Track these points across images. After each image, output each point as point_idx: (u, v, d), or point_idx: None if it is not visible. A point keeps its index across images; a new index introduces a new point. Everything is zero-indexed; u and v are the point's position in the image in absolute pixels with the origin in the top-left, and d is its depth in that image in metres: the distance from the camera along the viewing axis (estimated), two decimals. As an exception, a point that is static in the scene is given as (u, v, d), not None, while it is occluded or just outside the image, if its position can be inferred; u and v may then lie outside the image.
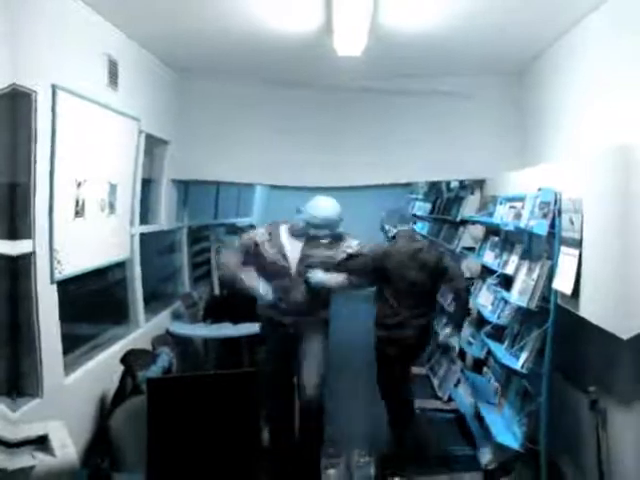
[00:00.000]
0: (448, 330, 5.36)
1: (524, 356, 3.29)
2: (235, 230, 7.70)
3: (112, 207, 3.89)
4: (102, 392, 3.61)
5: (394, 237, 4.32)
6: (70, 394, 3.21)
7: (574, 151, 3.58)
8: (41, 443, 2.40)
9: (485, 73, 4.91)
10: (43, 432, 2.44)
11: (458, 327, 4.93)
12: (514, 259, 3.74)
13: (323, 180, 5.12)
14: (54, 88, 2.95)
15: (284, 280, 3.72)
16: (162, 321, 4.98)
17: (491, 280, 4.01)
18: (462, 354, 5.02)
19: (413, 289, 4.02)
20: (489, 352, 4.07)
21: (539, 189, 3.26)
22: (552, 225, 3.06)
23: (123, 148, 4.08)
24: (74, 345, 3.58)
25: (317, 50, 4.04)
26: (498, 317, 3.88)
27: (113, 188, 3.88)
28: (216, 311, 5.22)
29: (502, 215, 3.99)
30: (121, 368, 3.63)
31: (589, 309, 2.72)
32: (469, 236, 5.27)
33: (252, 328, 4.75)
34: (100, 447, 3.23)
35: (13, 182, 2.77)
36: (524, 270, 3.47)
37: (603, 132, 3.22)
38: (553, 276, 3.04)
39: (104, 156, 3.75)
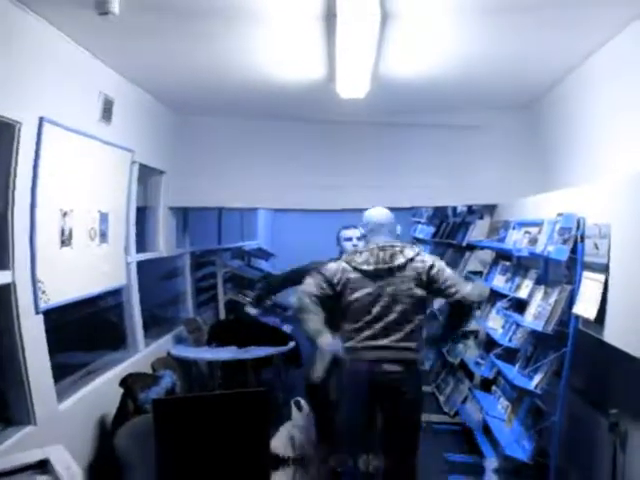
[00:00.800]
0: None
1: (538, 377, 3.28)
2: (242, 254, 7.78)
3: (104, 236, 3.91)
4: (101, 415, 3.63)
5: None
6: (66, 419, 3.22)
7: (593, 177, 3.52)
8: (42, 468, 2.41)
9: (493, 107, 4.91)
10: (43, 457, 2.45)
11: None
12: (528, 283, 3.73)
13: (324, 203, 5.20)
14: (41, 121, 2.98)
15: None
16: (163, 345, 4.99)
17: (502, 303, 4.01)
18: (470, 373, 5.03)
19: None
20: (498, 372, 4.08)
21: (559, 214, 3.23)
22: (573, 250, 3.04)
23: (115, 178, 4.10)
24: (69, 371, 3.61)
25: (320, 93, 4.09)
26: (510, 340, 3.87)
27: (104, 217, 3.90)
28: (221, 335, 5.23)
29: (515, 240, 3.98)
30: (120, 391, 3.67)
31: (615, 334, 2.66)
32: (477, 260, 5.28)
33: (257, 351, 4.79)
34: (104, 467, 3.29)
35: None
36: (539, 295, 3.46)
37: (621, 159, 3.21)
38: (573, 301, 3.02)
39: (93, 186, 3.76)
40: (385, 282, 3.13)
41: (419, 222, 8.62)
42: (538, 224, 3.57)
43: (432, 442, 4.42)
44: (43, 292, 3.08)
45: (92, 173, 3.74)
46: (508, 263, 4.35)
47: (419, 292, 3.14)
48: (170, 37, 3.18)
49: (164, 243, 5.23)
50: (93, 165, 3.73)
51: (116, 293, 4.41)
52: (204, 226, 6.61)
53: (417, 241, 8.15)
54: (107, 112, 3.76)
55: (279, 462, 3.60)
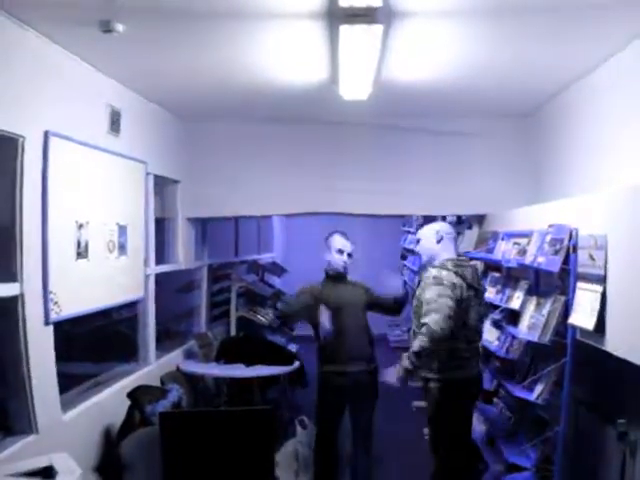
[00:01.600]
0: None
1: (539, 388, 3.31)
2: (257, 268, 7.71)
3: (123, 248, 3.93)
4: (106, 426, 3.65)
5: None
6: (70, 429, 3.24)
7: (587, 189, 3.53)
8: (47, 474, 2.47)
9: (493, 115, 4.94)
10: (47, 464, 2.51)
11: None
12: (519, 295, 3.72)
13: (324, 206, 5.16)
14: (46, 134, 3.02)
15: None
16: (173, 359, 4.99)
17: (495, 315, 4.01)
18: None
19: None
20: (499, 384, 4.08)
21: (550, 225, 3.25)
22: (565, 261, 3.05)
23: (131, 190, 4.13)
24: (77, 381, 3.64)
25: (323, 94, 4.12)
26: (507, 352, 3.86)
27: (123, 229, 3.93)
28: (230, 352, 5.22)
29: (504, 251, 3.98)
30: (127, 403, 3.70)
31: (618, 344, 2.66)
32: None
33: (264, 370, 4.78)
34: (109, 476, 3.32)
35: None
36: (532, 306, 3.47)
37: (621, 172, 3.22)
38: (568, 311, 3.02)
39: (109, 198, 3.79)
40: None
41: (409, 232, 8.47)
42: (527, 235, 3.57)
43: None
44: (55, 303, 3.09)
45: (107, 186, 3.77)
46: (498, 274, 4.32)
47: None
48: (173, 45, 3.21)
49: (183, 255, 5.22)
50: (107, 178, 3.76)
51: (131, 305, 4.41)
52: (221, 238, 6.55)
53: (407, 252, 8.03)
54: (115, 124, 3.83)
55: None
